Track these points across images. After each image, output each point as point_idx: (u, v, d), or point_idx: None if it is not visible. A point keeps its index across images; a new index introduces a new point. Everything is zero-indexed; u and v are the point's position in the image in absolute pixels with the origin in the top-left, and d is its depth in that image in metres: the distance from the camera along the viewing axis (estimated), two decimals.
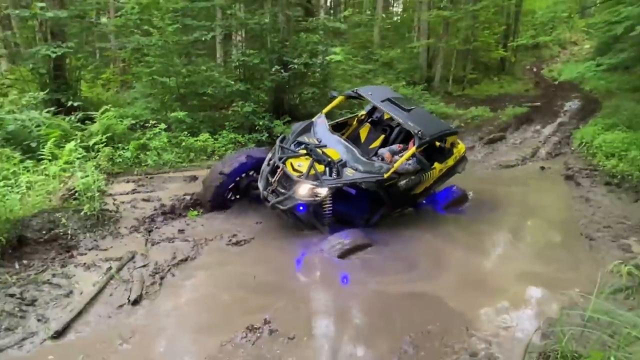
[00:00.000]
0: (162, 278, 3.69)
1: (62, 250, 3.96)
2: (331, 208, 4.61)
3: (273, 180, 4.65)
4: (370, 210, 4.96)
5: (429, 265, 4.19)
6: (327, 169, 4.51)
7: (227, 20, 10.72)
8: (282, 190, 4.53)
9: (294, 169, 4.60)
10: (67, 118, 7.24)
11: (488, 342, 2.98)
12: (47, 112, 7.11)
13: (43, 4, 7.81)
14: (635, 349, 2.26)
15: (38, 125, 6.50)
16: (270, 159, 4.94)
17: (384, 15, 16.76)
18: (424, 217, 5.44)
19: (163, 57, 8.46)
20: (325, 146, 4.86)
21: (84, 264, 3.77)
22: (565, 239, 4.81)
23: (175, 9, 8.96)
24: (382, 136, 5.92)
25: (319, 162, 4.53)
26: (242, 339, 2.94)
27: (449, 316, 3.30)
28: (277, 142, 5.10)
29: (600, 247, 4.54)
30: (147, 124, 7.90)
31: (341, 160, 4.61)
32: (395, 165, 4.61)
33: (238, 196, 5.39)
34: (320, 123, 5.34)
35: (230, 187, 5.19)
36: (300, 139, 5.12)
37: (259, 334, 2.99)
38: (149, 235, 4.47)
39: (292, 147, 4.98)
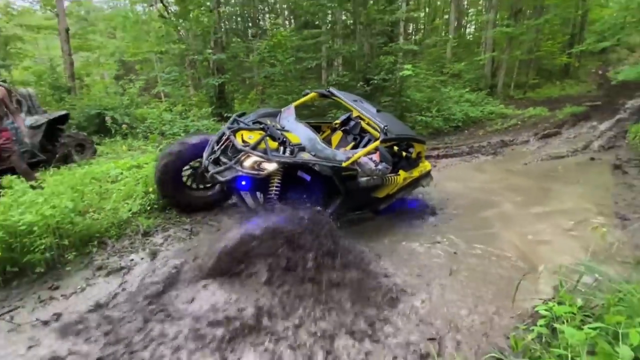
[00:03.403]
0: None
1: (216, 204, 4.63)
2: (278, 190, 3.27)
3: (217, 148, 3.51)
4: (323, 201, 3.49)
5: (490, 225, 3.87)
6: (281, 147, 3.30)
7: (328, 50, 11.04)
8: (225, 160, 3.36)
9: (243, 141, 3.40)
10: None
11: None
12: (214, 120, 8.30)
13: (211, 51, 9.02)
14: None
15: (207, 129, 7.64)
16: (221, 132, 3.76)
17: (452, 37, 15.39)
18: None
19: (284, 81, 9.15)
20: (287, 131, 3.60)
21: (229, 213, 4.38)
22: (596, 218, 4.04)
23: (293, 47, 9.56)
24: (353, 143, 4.65)
25: (273, 139, 3.35)
26: None
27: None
28: (234, 116, 3.93)
29: (635, 229, 3.74)
30: None
31: (300, 144, 3.38)
32: (355, 156, 3.46)
33: (202, 186, 4.20)
34: (288, 114, 4.04)
35: (183, 171, 3.96)
36: (261, 120, 3.84)
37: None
38: None
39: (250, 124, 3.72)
